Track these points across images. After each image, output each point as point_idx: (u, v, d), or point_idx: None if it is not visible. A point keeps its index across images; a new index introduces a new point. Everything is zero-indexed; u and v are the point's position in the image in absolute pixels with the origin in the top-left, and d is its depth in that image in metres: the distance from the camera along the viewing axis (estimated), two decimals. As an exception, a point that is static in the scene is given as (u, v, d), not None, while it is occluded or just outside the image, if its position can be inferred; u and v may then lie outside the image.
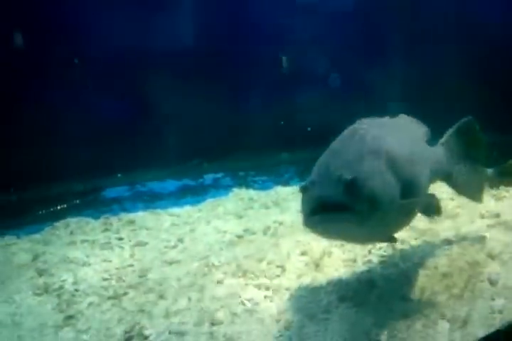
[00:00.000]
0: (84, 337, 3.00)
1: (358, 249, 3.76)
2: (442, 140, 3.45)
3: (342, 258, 3.66)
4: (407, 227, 4.02)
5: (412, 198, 2.64)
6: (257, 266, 3.65)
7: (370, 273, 3.43)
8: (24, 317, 3.32)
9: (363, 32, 6.24)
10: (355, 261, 3.61)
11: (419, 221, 4.11)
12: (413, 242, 3.84)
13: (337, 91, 6.31)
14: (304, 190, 2.47)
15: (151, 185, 5.76)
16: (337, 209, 2.31)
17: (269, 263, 3.66)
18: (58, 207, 5.21)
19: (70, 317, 3.25)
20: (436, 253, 3.59)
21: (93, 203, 5.42)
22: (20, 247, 4.66)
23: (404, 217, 2.79)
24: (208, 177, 5.75)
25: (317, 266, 3.59)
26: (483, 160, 3.58)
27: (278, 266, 3.61)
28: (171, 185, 5.79)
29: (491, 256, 3.47)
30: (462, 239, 3.76)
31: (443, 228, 3.97)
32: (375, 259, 3.62)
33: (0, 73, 5.03)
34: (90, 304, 3.40)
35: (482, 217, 4.13)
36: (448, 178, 3.45)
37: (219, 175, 5.97)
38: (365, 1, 6.27)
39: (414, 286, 3.17)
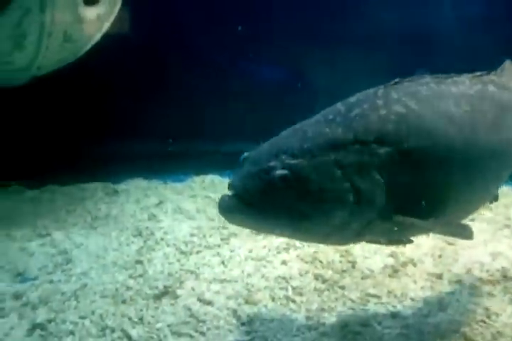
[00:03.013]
0: (131, 282, 3.13)
1: (454, 266, 3.15)
2: None
3: (428, 271, 3.10)
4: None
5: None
6: (332, 256, 3.33)
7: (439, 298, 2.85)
8: (107, 252, 3.62)
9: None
10: (441, 277, 3.03)
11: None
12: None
13: None
14: (240, 163, 2.00)
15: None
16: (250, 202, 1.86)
17: (342, 256, 3.30)
18: (205, 163, 5.50)
19: (139, 262, 3.43)
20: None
21: (234, 165, 5.56)
22: (158, 191, 5.08)
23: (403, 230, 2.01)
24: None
25: (395, 271, 3.12)
26: None
27: (350, 262, 3.23)
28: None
29: None
30: None
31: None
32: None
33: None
34: (164, 254, 3.54)
35: None
36: None
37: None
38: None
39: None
